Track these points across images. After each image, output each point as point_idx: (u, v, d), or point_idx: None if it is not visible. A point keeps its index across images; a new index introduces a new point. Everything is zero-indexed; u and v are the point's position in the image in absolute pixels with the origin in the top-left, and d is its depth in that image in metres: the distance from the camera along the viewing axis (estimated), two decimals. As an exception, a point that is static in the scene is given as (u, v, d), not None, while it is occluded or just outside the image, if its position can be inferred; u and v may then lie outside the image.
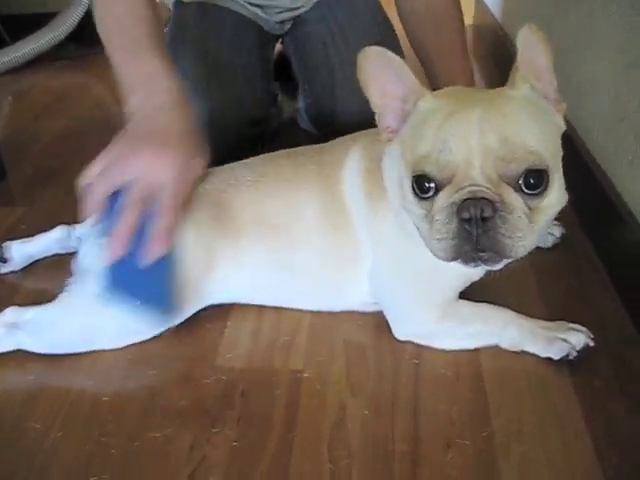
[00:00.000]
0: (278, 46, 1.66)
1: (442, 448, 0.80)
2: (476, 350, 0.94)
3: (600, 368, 0.91)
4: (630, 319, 0.99)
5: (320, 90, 1.44)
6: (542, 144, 0.77)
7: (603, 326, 0.97)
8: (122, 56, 0.98)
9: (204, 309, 1.02)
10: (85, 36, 2.12)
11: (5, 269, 1.16)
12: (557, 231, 1.17)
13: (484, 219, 0.75)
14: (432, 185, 0.79)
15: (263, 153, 1.09)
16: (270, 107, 1.52)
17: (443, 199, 0.78)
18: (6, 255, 1.15)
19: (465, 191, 0.76)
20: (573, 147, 1.26)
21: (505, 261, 0.81)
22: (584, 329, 0.92)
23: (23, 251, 1.17)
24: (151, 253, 0.88)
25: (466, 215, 0.75)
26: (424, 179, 0.80)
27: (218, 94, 1.34)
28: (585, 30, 1.30)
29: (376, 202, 0.95)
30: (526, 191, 0.76)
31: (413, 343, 0.96)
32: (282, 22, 1.51)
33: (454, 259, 0.80)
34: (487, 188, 0.75)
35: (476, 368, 0.92)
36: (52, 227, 1.19)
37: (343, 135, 1.05)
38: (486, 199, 0.75)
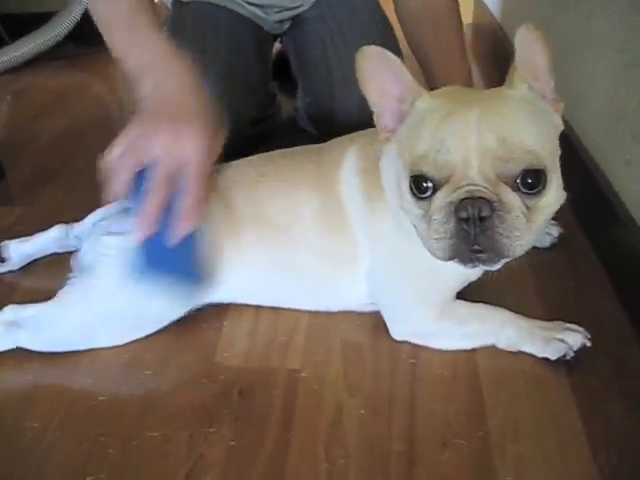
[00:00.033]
0: (277, 45, 1.66)
1: (438, 448, 0.80)
2: (473, 350, 0.94)
3: (598, 368, 0.91)
4: (628, 319, 0.99)
5: (319, 89, 1.44)
6: (540, 144, 0.77)
7: (601, 326, 0.97)
8: (126, 40, 0.97)
9: (201, 309, 1.02)
10: (84, 35, 2.12)
11: (3, 269, 1.16)
12: (555, 231, 1.17)
13: (482, 218, 0.75)
14: (430, 185, 0.79)
15: (259, 153, 1.09)
16: (268, 107, 1.52)
17: (441, 199, 0.78)
18: (4, 255, 1.16)
19: (463, 191, 0.76)
20: (571, 146, 1.26)
21: (503, 261, 0.81)
22: (581, 329, 0.92)
23: (21, 250, 1.17)
24: (180, 230, 0.87)
25: (464, 214, 0.75)
26: (422, 179, 0.80)
27: (215, 93, 1.34)
28: (584, 30, 1.30)
29: (374, 202, 0.95)
30: (524, 190, 0.76)
31: (410, 343, 0.96)
32: (281, 21, 1.51)
33: (452, 259, 0.80)
34: (485, 188, 0.75)
35: (473, 368, 0.92)
36: (50, 227, 1.19)
37: (342, 134, 1.05)
38: (484, 198, 0.75)
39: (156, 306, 0.97)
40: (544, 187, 0.77)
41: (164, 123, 0.88)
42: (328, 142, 1.05)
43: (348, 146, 1.01)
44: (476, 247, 0.77)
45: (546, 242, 1.16)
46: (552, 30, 1.47)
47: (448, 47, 1.28)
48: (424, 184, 0.80)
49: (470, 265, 0.80)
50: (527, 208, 0.77)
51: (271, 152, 1.08)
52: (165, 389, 0.91)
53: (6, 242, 1.17)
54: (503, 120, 0.77)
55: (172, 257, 0.89)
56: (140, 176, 0.88)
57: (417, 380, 0.90)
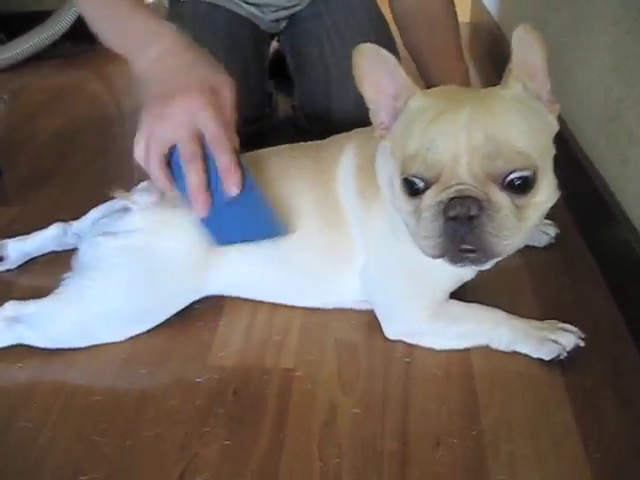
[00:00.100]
0: (274, 44, 1.66)
1: (432, 447, 0.80)
2: (467, 350, 0.94)
3: (592, 367, 0.91)
4: (622, 317, 1.00)
5: (315, 87, 1.44)
6: (530, 144, 0.77)
7: (596, 324, 0.97)
8: (114, 25, 0.94)
9: (197, 307, 1.03)
10: (81, 34, 2.11)
11: (2, 267, 1.16)
12: (552, 231, 1.17)
13: (471, 218, 0.75)
14: (420, 184, 0.80)
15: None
16: (265, 106, 1.52)
17: (430, 197, 0.78)
18: (2, 253, 1.16)
19: (452, 190, 0.76)
20: (566, 146, 1.26)
21: (493, 261, 0.81)
22: (575, 329, 0.92)
23: (20, 249, 1.17)
24: (232, 189, 0.86)
25: (452, 213, 0.75)
26: (413, 177, 0.80)
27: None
28: (578, 29, 1.30)
29: (369, 200, 0.95)
30: (513, 190, 0.77)
31: (404, 342, 0.96)
32: (277, 20, 1.51)
33: (441, 256, 0.80)
34: (474, 187, 0.76)
35: (467, 367, 0.92)
36: (47, 226, 1.19)
37: (338, 133, 1.06)
38: (473, 198, 0.75)
39: (151, 305, 0.98)
40: (534, 187, 0.78)
41: (168, 101, 0.85)
42: (327, 139, 1.06)
43: (346, 143, 1.01)
44: (465, 246, 0.77)
45: (543, 241, 1.16)
46: (549, 30, 1.47)
47: (444, 47, 1.28)
48: (415, 182, 0.80)
49: (460, 264, 0.81)
50: (517, 207, 0.77)
51: (268, 148, 1.08)
52: (160, 388, 0.91)
53: (4, 241, 1.17)
54: (493, 119, 0.77)
55: (239, 218, 0.89)
56: (175, 160, 0.87)
57: (411, 379, 0.90)
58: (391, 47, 1.43)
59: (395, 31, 1.39)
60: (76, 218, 1.16)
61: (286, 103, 1.69)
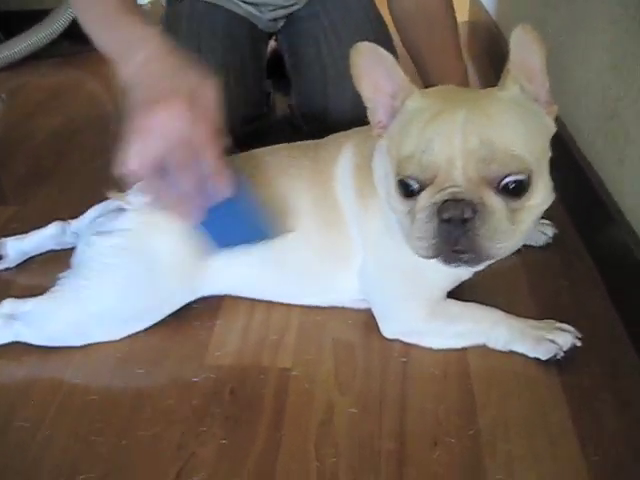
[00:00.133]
0: (272, 43, 1.66)
1: (429, 446, 0.80)
2: (464, 349, 0.94)
3: (589, 367, 0.91)
4: (620, 318, 0.99)
5: (312, 87, 1.44)
6: (526, 146, 0.77)
7: (593, 325, 0.97)
8: (103, 29, 0.95)
9: (194, 307, 1.03)
10: (79, 33, 2.11)
11: (0, 266, 1.16)
12: (549, 230, 1.17)
13: (464, 220, 0.75)
14: (415, 185, 0.80)
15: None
16: (262, 105, 1.52)
17: (425, 199, 0.78)
18: (1, 252, 1.16)
19: (446, 192, 0.76)
20: (565, 146, 1.26)
21: (486, 262, 0.81)
22: (572, 329, 0.92)
23: (18, 248, 1.17)
24: (223, 192, 0.85)
25: (446, 216, 0.75)
26: (408, 179, 0.80)
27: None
28: (577, 28, 1.30)
29: (366, 199, 0.95)
30: (508, 193, 0.76)
31: (401, 342, 0.96)
32: (275, 20, 1.51)
33: (434, 257, 0.80)
34: (468, 190, 0.76)
35: (464, 367, 0.92)
36: (45, 225, 1.19)
37: (335, 132, 1.06)
38: (467, 201, 0.75)
39: (146, 305, 0.98)
40: (528, 190, 0.77)
41: (150, 109, 0.84)
42: (325, 138, 1.06)
43: (344, 143, 1.01)
44: (458, 248, 0.77)
45: (541, 241, 1.16)
46: (547, 29, 1.47)
47: (442, 46, 1.28)
48: (410, 184, 0.80)
49: (453, 265, 0.81)
50: (511, 210, 0.77)
51: (266, 148, 1.08)
52: (157, 388, 0.91)
53: (3, 239, 1.17)
54: (489, 122, 0.76)
55: (232, 220, 0.88)
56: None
57: (408, 379, 0.90)
58: (388, 46, 1.43)
59: (393, 31, 1.39)
60: (74, 217, 1.16)
61: (284, 102, 1.69)
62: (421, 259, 0.81)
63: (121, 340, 0.99)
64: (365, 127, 0.94)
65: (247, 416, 0.86)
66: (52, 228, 1.18)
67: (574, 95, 1.29)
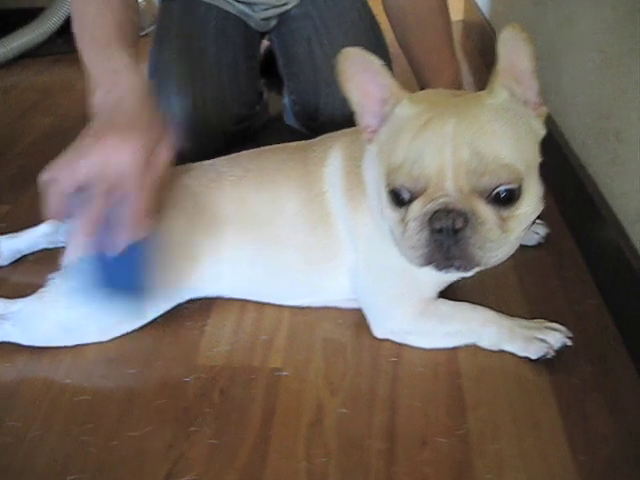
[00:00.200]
0: (266, 43, 1.66)
1: (418, 446, 0.81)
2: (455, 349, 0.94)
3: (579, 367, 0.91)
4: (611, 318, 1.00)
5: (304, 86, 1.44)
6: (516, 155, 0.77)
7: (584, 325, 0.98)
8: (90, 53, 0.97)
9: (185, 307, 1.03)
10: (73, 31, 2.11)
11: (-6, 264, 1.16)
12: (541, 230, 1.17)
13: (456, 230, 0.75)
14: (406, 195, 0.80)
15: (246, 150, 1.09)
16: (255, 104, 1.52)
17: (416, 209, 0.78)
18: (-5, 250, 1.16)
19: (437, 202, 0.76)
20: (556, 145, 1.27)
21: (477, 268, 0.81)
22: (563, 328, 0.92)
23: (12, 246, 1.17)
24: (118, 243, 0.85)
25: (438, 226, 0.76)
26: (399, 189, 0.80)
27: (202, 91, 1.35)
28: (569, 28, 1.31)
29: (355, 200, 0.95)
30: (498, 202, 0.77)
31: (392, 341, 0.96)
32: (268, 19, 1.50)
33: (426, 265, 0.80)
34: (459, 200, 0.76)
35: (454, 366, 0.92)
36: (36, 225, 1.19)
37: (327, 132, 1.06)
38: (457, 211, 0.75)
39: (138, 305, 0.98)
40: (519, 198, 0.78)
41: (101, 138, 0.86)
42: (312, 140, 1.06)
43: (333, 144, 1.01)
44: (450, 256, 0.78)
45: (532, 241, 1.16)
46: (539, 28, 1.47)
47: (435, 45, 1.28)
48: (401, 193, 0.80)
49: (444, 271, 0.81)
50: (502, 219, 0.77)
51: (256, 149, 1.08)
52: (147, 388, 0.91)
53: (-4, 238, 1.17)
54: (480, 132, 0.76)
55: (114, 271, 0.87)
56: (78, 195, 0.86)
57: (398, 378, 0.90)
58: (381, 47, 1.44)
59: (387, 29, 1.39)
60: (67, 216, 1.16)
61: (277, 102, 1.69)
62: (411, 261, 0.81)
63: (112, 340, 0.98)
64: (353, 129, 0.94)
65: (237, 416, 0.86)
66: (45, 227, 1.18)
67: (566, 95, 1.29)
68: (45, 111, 1.89)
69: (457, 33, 2.33)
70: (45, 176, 0.88)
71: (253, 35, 1.51)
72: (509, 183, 0.76)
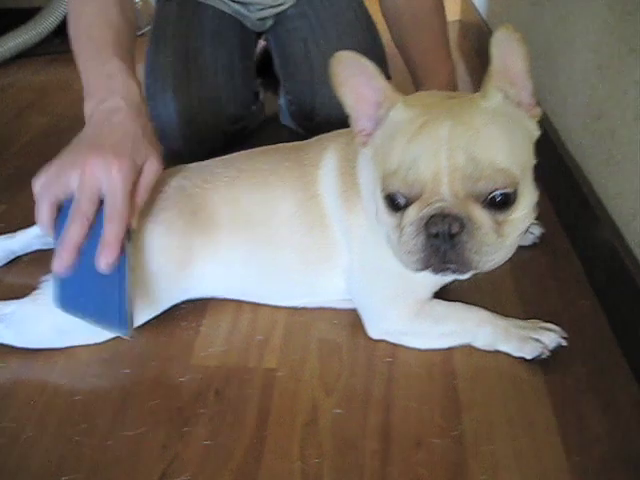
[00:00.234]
0: (262, 43, 1.66)
1: (413, 447, 0.81)
2: (450, 349, 0.94)
3: (574, 367, 0.91)
4: (606, 319, 1.00)
5: (300, 87, 1.44)
6: (511, 159, 0.76)
7: (579, 325, 0.98)
8: (86, 56, 0.97)
9: (180, 307, 1.03)
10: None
11: (-12, 265, 1.16)
12: (537, 230, 1.17)
13: (452, 235, 0.75)
14: (402, 199, 0.80)
15: (241, 150, 1.09)
16: (251, 104, 1.52)
17: (412, 214, 0.78)
18: (-11, 251, 1.15)
19: (433, 207, 0.76)
20: (551, 146, 1.27)
21: (473, 271, 0.81)
22: (557, 328, 0.92)
23: (6, 247, 1.17)
24: (102, 264, 0.85)
25: (433, 231, 0.76)
26: (394, 195, 0.80)
27: (198, 91, 1.35)
28: (565, 29, 1.31)
29: (350, 202, 0.95)
30: (495, 206, 0.77)
31: (387, 342, 0.96)
32: (264, 19, 1.51)
33: (423, 269, 0.80)
34: (455, 204, 0.76)
35: (449, 367, 0.92)
36: (31, 225, 1.18)
37: (324, 132, 1.05)
38: (453, 215, 0.75)
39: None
40: (515, 202, 0.78)
41: (89, 153, 0.86)
42: (307, 141, 1.05)
43: (327, 145, 1.01)
44: (446, 261, 0.78)
45: (528, 241, 1.16)
46: (535, 29, 1.47)
47: (430, 45, 1.28)
48: (396, 198, 0.80)
49: (441, 274, 0.81)
50: (498, 223, 0.77)
51: (250, 150, 1.08)
52: (142, 388, 0.91)
53: (-10, 239, 1.16)
54: (475, 136, 0.76)
55: (93, 290, 0.87)
56: (64, 211, 0.87)
57: (393, 379, 0.90)
58: (377, 47, 1.44)
59: (383, 29, 1.39)
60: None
61: (274, 102, 1.69)
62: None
63: (107, 341, 0.98)
64: (347, 130, 0.94)
65: (232, 417, 0.86)
66: (38, 228, 1.17)
67: (561, 95, 1.29)
68: (42, 111, 1.89)
69: (454, 33, 2.33)
70: (33, 186, 0.89)
71: (249, 35, 1.51)
72: (505, 187, 0.76)
